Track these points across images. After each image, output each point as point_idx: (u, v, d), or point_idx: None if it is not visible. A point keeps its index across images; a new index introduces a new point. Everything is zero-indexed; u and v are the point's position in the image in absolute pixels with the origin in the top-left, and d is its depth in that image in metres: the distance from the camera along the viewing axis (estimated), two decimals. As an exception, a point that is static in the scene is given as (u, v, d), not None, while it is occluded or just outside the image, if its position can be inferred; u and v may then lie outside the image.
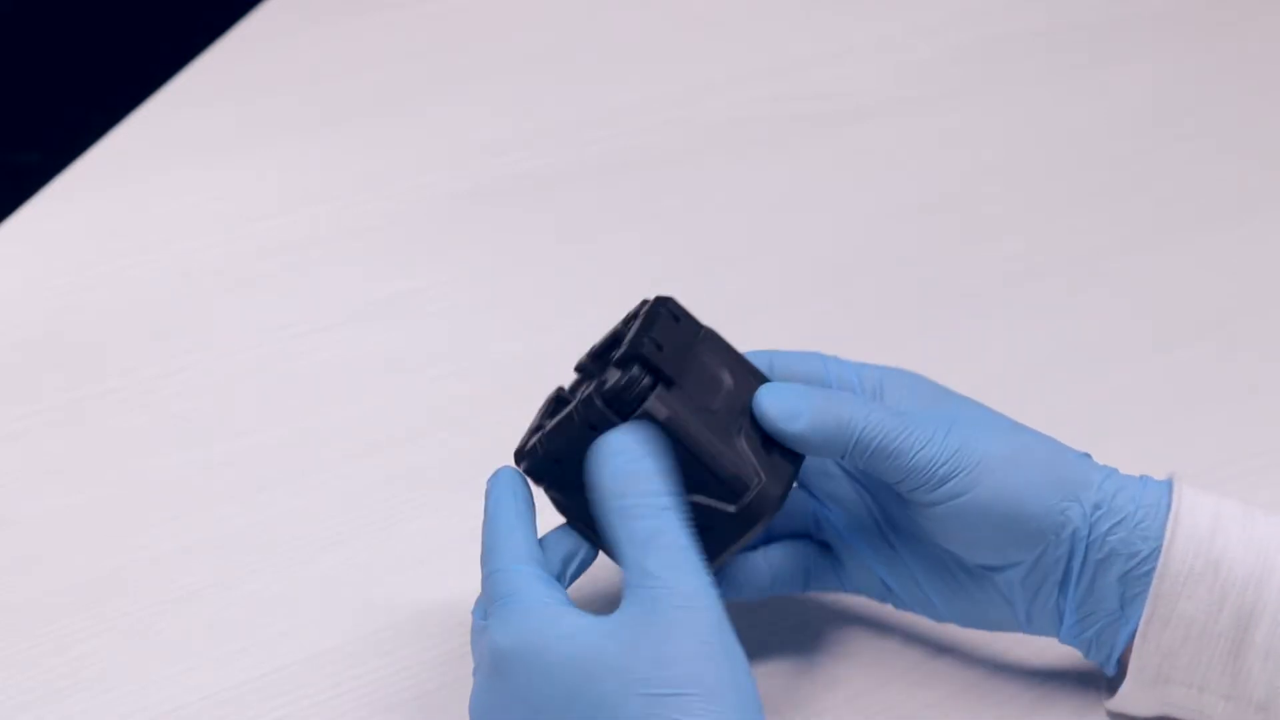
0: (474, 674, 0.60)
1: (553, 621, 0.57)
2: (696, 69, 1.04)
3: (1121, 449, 0.69)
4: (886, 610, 0.71)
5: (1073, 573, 0.64)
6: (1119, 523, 0.63)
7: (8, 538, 0.75)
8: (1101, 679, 0.68)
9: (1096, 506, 0.63)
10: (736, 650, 0.56)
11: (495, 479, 0.63)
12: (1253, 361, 0.86)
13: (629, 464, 0.58)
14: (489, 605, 0.59)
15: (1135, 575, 0.63)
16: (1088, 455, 0.65)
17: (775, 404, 0.62)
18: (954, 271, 0.91)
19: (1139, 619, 0.63)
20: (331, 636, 0.71)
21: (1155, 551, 0.63)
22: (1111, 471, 0.64)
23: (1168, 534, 0.62)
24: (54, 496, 0.77)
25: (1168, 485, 0.64)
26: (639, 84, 1.03)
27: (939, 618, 0.67)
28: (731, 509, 0.61)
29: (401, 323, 0.87)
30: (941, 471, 0.62)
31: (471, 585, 0.73)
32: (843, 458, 0.63)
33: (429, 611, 0.72)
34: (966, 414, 0.64)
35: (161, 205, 0.94)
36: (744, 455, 0.61)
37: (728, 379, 0.63)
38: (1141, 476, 0.65)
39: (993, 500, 0.62)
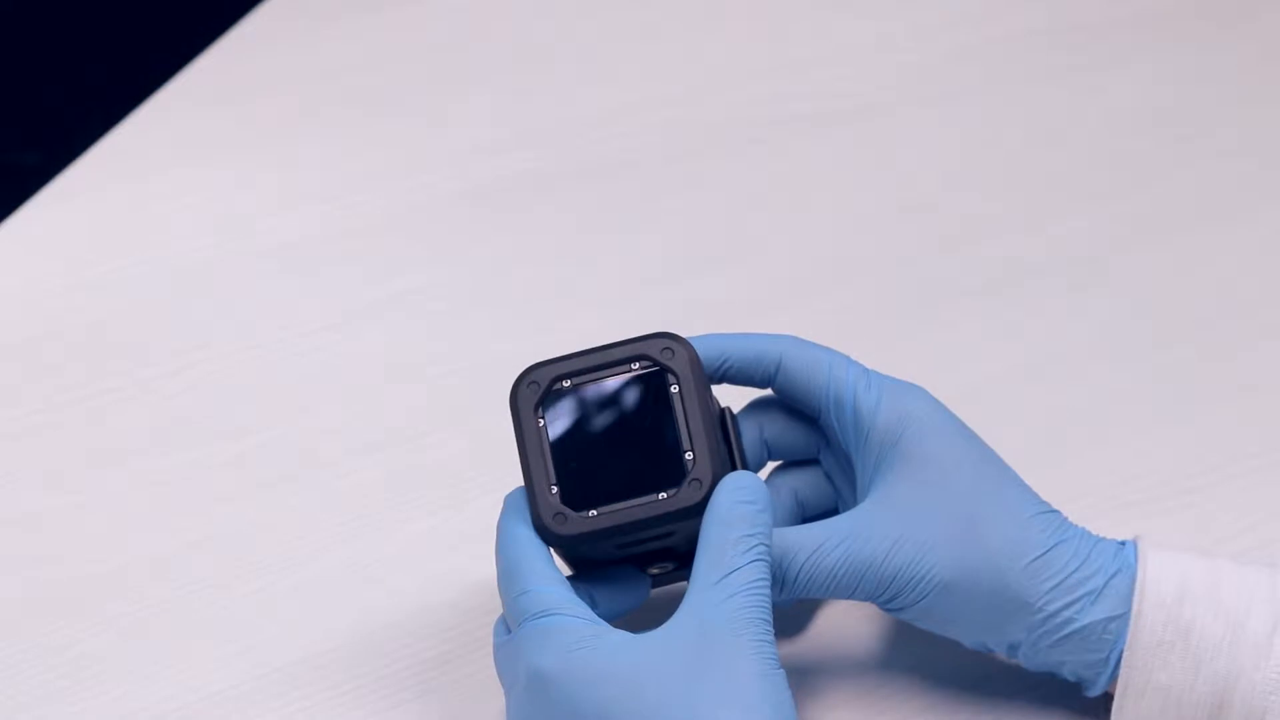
0: (507, 693, 0.61)
1: (594, 639, 0.57)
2: (696, 69, 1.04)
3: (1122, 450, 0.69)
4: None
5: (1024, 664, 0.65)
6: (1066, 636, 0.63)
7: (8, 538, 0.75)
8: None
9: (1037, 626, 0.63)
10: (778, 672, 0.57)
11: (509, 499, 0.63)
12: (1251, 361, 0.86)
13: (746, 505, 0.59)
14: (518, 625, 0.59)
15: (1089, 677, 0.64)
16: (1052, 544, 0.64)
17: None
18: (953, 271, 0.91)
19: (1107, 679, 0.64)
20: (331, 636, 0.71)
21: (1104, 663, 0.63)
22: (1068, 572, 0.63)
23: (1135, 604, 0.62)
24: (54, 496, 0.77)
25: (1131, 571, 0.64)
26: (639, 84, 1.03)
27: None
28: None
29: (401, 323, 0.87)
30: (881, 596, 0.63)
31: (470, 585, 0.73)
32: None
33: (429, 611, 0.72)
34: (924, 513, 0.63)
35: (161, 205, 0.94)
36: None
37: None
38: (1105, 563, 0.64)
39: (934, 618, 0.64)
